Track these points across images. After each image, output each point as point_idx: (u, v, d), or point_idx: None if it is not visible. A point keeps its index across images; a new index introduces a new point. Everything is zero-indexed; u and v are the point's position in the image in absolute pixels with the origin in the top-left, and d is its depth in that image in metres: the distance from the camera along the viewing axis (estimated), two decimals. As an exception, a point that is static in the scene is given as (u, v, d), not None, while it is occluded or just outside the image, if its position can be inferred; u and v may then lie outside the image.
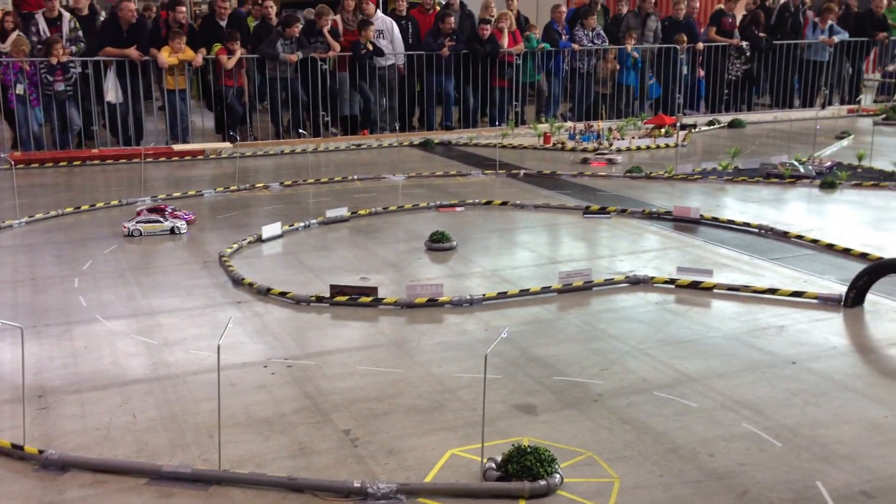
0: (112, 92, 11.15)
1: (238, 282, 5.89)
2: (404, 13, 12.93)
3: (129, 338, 4.95)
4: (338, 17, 12.46)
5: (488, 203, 8.25)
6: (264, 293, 5.64)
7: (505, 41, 12.90)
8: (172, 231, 7.17)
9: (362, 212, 7.87)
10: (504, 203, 8.23)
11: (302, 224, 7.41)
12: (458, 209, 8.09)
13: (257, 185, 9.12)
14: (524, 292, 5.63)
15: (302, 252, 6.73)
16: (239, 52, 11.60)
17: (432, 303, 5.42)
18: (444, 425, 3.87)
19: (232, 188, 9.01)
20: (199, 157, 11.02)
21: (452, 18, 12.74)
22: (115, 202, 8.31)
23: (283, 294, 5.59)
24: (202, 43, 11.68)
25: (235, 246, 6.70)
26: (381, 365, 4.56)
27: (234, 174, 9.48)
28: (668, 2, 15.37)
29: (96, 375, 4.43)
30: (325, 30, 11.94)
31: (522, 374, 4.42)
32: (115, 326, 5.12)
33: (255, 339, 4.91)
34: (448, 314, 5.32)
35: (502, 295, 5.57)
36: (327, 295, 5.51)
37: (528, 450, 3.39)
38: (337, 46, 11.97)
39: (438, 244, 6.71)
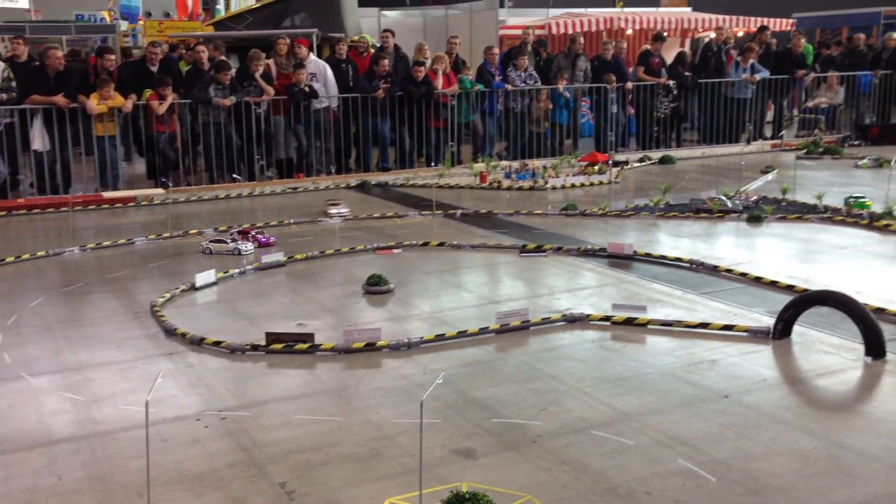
0: (39, 140, 10.91)
1: (170, 332, 5.76)
2: (344, 56, 13.00)
3: (56, 394, 4.78)
4: (271, 62, 12.46)
5: (425, 244, 8.27)
6: (198, 343, 5.53)
7: (439, 82, 13.06)
8: (234, 252, 7.96)
9: (299, 256, 7.80)
10: (441, 244, 8.26)
11: (237, 271, 7.31)
12: (395, 251, 8.09)
13: (191, 232, 8.99)
14: (462, 334, 5.63)
15: (237, 299, 6.63)
16: (171, 97, 11.48)
17: (370, 347, 5.38)
18: (383, 473, 3.82)
19: (164, 235, 8.86)
20: (130, 204, 10.82)
21: (387, 61, 12.85)
22: (41, 253, 8.09)
23: (217, 343, 5.48)
24: (133, 89, 11.54)
25: (168, 295, 6.57)
26: (319, 413, 4.49)
27: (167, 221, 9.33)
28: (598, 43, 15.78)
29: (20, 436, 4.27)
30: (258, 74, 11.92)
31: (461, 418, 4.40)
32: (41, 383, 4.95)
33: (188, 392, 4.79)
34: (386, 359, 5.29)
35: (440, 337, 5.56)
36: (263, 343, 5.43)
37: (467, 496, 3.37)
38: (271, 90, 11.96)
39: (376, 287, 6.68)
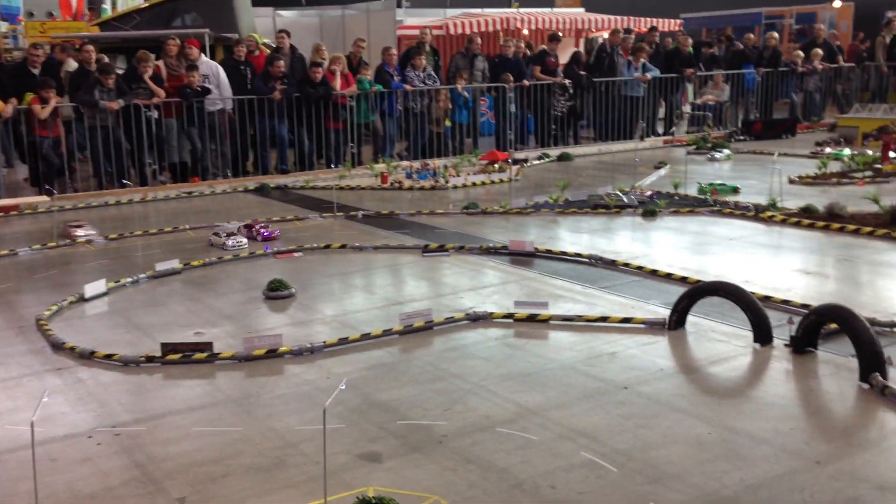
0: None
1: (58, 346, 5.50)
2: (243, 58, 12.71)
3: (-67, 418, 4.50)
4: (161, 63, 12.08)
5: (327, 247, 8.17)
6: (88, 357, 5.30)
7: (338, 83, 12.93)
8: (222, 248, 8.15)
9: (195, 263, 7.59)
10: (343, 246, 8.17)
11: (129, 279, 7.05)
12: (296, 255, 7.96)
13: (79, 240, 8.62)
14: (366, 337, 5.58)
15: (130, 310, 6.38)
16: (54, 100, 10.99)
17: (272, 354, 5.27)
18: (286, 483, 3.74)
19: (50, 244, 8.46)
20: (13, 213, 10.30)
21: (282, 62, 12.65)
22: (-85, 267, 7.61)
23: (108, 356, 5.26)
24: (13, 92, 10.99)
25: (55, 308, 6.27)
26: (219, 424, 4.36)
27: (52, 229, 8.92)
28: (495, 42, 15.95)
29: None
30: (147, 76, 11.54)
31: (366, 421, 4.35)
32: (-84, 406, 4.65)
33: (79, 408, 4.58)
34: (289, 365, 5.19)
35: (343, 341, 5.50)
36: (158, 354, 5.24)
37: (373, 501, 3.33)
38: (161, 92, 11.59)
39: (277, 293, 6.55)
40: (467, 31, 16.85)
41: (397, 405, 4.55)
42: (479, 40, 15.00)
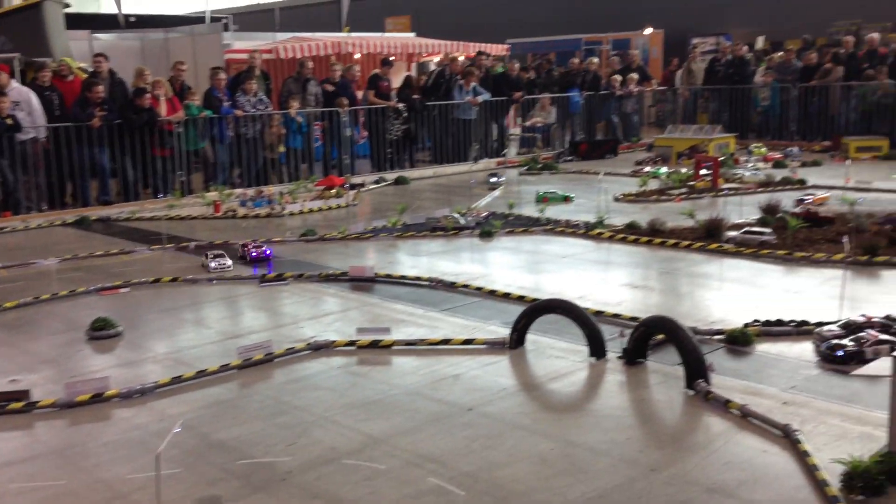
0: None
1: None
2: (47, 83, 11.94)
3: None
4: (-35, 89, 11.16)
5: (157, 280, 7.78)
6: None
7: (163, 109, 12.43)
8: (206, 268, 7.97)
9: (8, 304, 7.01)
10: (174, 279, 7.81)
11: (-68, 326, 6.42)
12: (122, 291, 7.52)
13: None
14: (202, 373, 5.33)
15: (-67, 359, 5.80)
16: None
17: (98, 399, 4.93)
18: (118, 538, 3.49)
19: None
20: None
21: (101, 87, 12.01)
22: None
23: None
24: None
25: None
26: (39, 479, 4.02)
27: None
28: (327, 67, 15.87)
29: None
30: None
31: (204, 463, 4.14)
32: None
33: None
34: (117, 409, 4.87)
35: (177, 379, 5.23)
36: (-33, 407, 4.78)
37: (214, 549, 3.16)
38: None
39: (102, 332, 6.16)
40: (298, 55, 16.66)
41: (238, 444, 4.36)
42: (310, 64, 14.88)
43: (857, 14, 22.44)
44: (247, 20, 30.26)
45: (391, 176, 14.46)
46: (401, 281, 7.62)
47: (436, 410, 4.74)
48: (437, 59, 18.47)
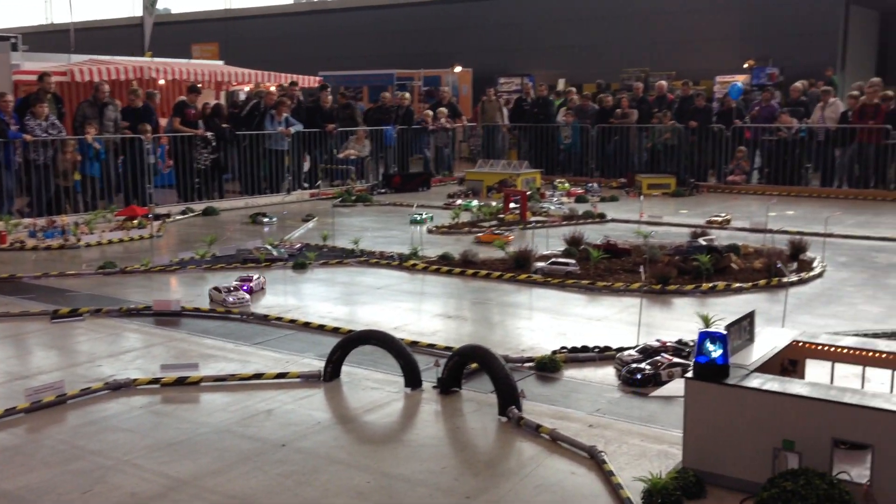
0: None
1: None
2: None
3: None
4: None
5: (-71, 318, 7.01)
6: None
7: (-60, 131, 11.32)
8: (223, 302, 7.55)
9: None
10: (-49, 316, 7.07)
11: None
12: None
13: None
14: (-18, 420, 4.82)
15: None
16: None
17: None
18: None
19: None
20: None
21: None
22: None
23: None
24: None
25: None
26: None
27: None
28: (126, 91, 15.14)
29: None
30: None
31: (-16, 521, 3.73)
32: None
33: None
34: None
35: (-48, 428, 4.70)
36: None
37: None
38: None
39: None
40: (95, 79, 15.76)
41: (25, 493, 3.97)
42: (107, 88, 14.08)
43: (645, 63, 24.35)
44: (39, 40, 28.33)
45: (199, 206, 13.93)
46: (210, 314, 7.31)
47: (247, 448, 4.54)
48: (247, 88, 18.11)
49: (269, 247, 9.82)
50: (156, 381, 5.52)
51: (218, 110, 15.43)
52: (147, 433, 4.75)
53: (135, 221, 11.67)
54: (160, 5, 28.19)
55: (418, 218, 12.27)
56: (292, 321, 7.07)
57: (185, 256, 9.71)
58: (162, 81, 17.95)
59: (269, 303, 7.80)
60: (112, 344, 6.52)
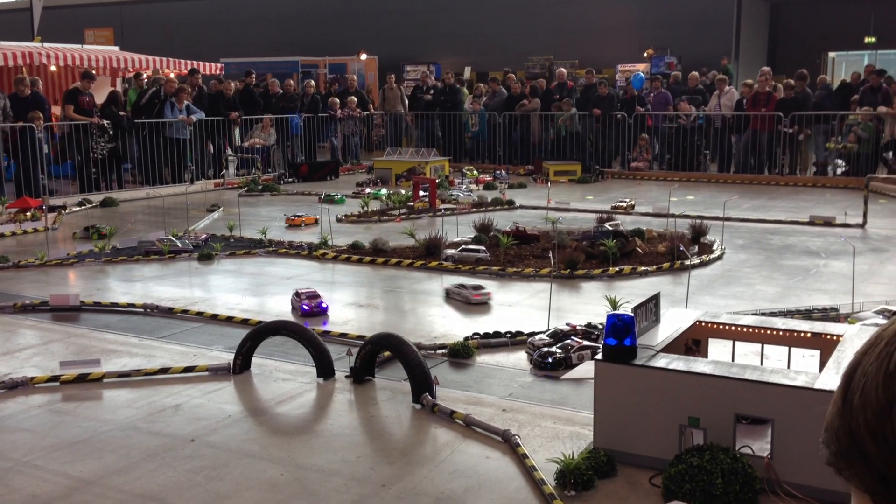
0: None
1: None
2: None
3: None
4: None
5: None
6: None
7: None
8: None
9: None
10: None
11: None
12: None
13: None
14: None
15: None
16: None
17: None
18: None
19: None
20: None
21: None
22: None
23: None
24: None
25: None
26: None
27: None
28: (13, 78, 14.42)
29: None
30: None
31: None
32: None
33: None
34: None
35: None
36: None
37: None
38: None
39: None
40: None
41: (-88, 504, 3.75)
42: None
43: (549, 51, 24.69)
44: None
45: (97, 197, 13.42)
46: (111, 308, 7.06)
47: (154, 444, 4.41)
48: (146, 74, 17.49)
49: (174, 238, 9.54)
50: (55, 378, 5.30)
51: (114, 98, 14.87)
52: (47, 433, 4.55)
53: (28, 213, 11.15)
54: (50, -13, 26.90)
55: (335, 197, 12.91)
56: (199, 313, 6.90)
57: (84, 249, 9.34)
58: (53, 68, 17.16)
59: (174, 295, 7.58)
60: (7, 341, 6.23)
